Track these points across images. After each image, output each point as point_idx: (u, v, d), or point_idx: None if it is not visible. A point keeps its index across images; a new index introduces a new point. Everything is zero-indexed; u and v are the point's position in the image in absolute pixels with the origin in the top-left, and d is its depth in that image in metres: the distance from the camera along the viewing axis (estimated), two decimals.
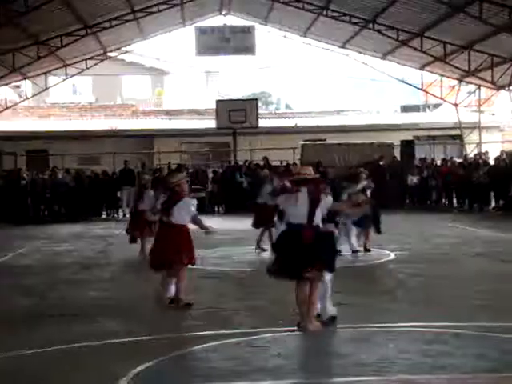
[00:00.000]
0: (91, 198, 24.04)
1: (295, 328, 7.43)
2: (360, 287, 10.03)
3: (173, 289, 8.93)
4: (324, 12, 25.23)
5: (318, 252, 7.36)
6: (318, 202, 7.43)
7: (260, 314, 8.42)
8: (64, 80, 29.89)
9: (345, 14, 24.89)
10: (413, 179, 25.09)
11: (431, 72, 30.25)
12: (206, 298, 9.34)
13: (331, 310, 7.75)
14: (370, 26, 24.98)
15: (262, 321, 7.95)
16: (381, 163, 24.73)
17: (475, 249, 13.89)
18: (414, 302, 8.95)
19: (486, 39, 23.10)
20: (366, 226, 13.01)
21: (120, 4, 24.00)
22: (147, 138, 31.59)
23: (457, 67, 26.33)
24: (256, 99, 32.59)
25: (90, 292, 10.21)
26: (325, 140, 29.51)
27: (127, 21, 25.36)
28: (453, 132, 30.76)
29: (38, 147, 30.58)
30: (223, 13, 29.61)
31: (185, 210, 8.78)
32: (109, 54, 30.23)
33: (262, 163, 25.06)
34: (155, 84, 41.34)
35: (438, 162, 26.22)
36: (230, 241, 15.95)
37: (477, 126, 29.39)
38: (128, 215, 17.18)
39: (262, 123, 28.98)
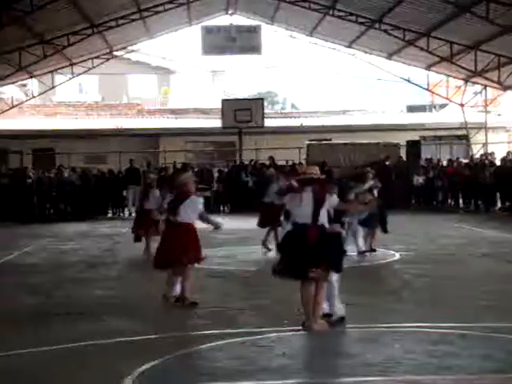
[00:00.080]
0: (97, 196, 24.08)
1: (300, 328, 7.42)
2: (366, 287, 10.02)
3: (178, 287, 8.94)
4: (330, 12, 25.20)
5: (324, 252, 7.35)
6: (322, 202, 7.42)
7: (265, 313, 8.41)
8: (70, 79, 29.94)
9: (351, 14, 24.85)
10: (419, 179, 25.05)
11: (437, 72, 30.20)
12: (211, 297, 9.34)
13: (339, 309, 7.73)
14: (377, 25, 24.93)
15: (267, 320, 7.95)
16: (387, 163, 24.71)
17: (481, 249, 13.86)
18: (419, 303, 8.94)
19: (492, 39, 23.04)
20: (373, 226, 12.97)
21: (126, 3, 24.02)
22: (153, 137, 31.62)
23: (463, 67, 26.27)
24: (262, 99, 32.58)
25: (96, 291, 10.23)
26: (330, 140, 29.49)
27: (133, 20, 25.37)
28: (459, 132, 30.69)
29: (44, 146, 30.65)
30: (229, 12, 29.61)
31: (191, 209, 8.79)
32: (115, 53, 30.26)
33: (267, 163, 25.06)
34: (161, 83, 41.38)
35: (444, 163, 26.16)
36: (235, 240, 15.97)
37: (483, 127, 29.33)
38: (134, 214, 17.20)
39: (268, 123, 28.96)
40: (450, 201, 25.07)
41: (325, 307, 7.69)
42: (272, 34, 30.86)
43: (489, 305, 8.66)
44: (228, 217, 22.20)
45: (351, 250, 12.20)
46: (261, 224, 14.17)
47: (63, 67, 28.85)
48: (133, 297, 9.73)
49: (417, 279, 10.73)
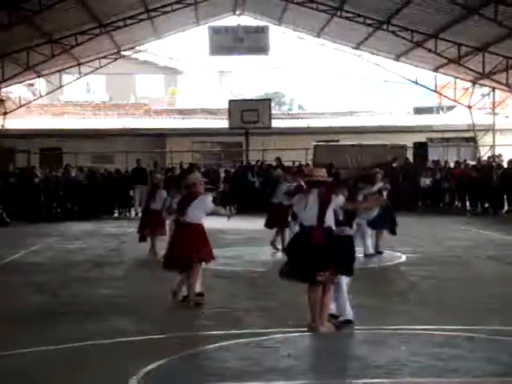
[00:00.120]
0: (104, 196, 24.11)
1: (306, 329, 7.42)
2: (372, 289, 10.00)
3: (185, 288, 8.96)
4: (338, 13, 25.17)
5: (331, 254, 7.34)
6: (328, 204, 7.41)
7: (271, 314, 8.41)
8: (78, 78, 30.00)
9: (359, 15, 24.82)
10: (426, 181, 24.99)
11: (445, 74, 30.13)
12: (218, 298, 9.34)
13: (348, 312, 7.68)
14: (384, 27, 24.89)
15: (273, 321, 7.95)
16: (394, 165, 24.64)
17: (488, 252, 13.83)
18: (426, 305, 8.92)
19: (500, 41, 22.98)
20: (380, 227, 12.92)
21: (134, 3, 24.05)
22: (160, 137, 31.66)
23: (471, 69, 26.21)
24: (269, 99, 32.56)
25: (102, 290, 10.25)
26: (337, 141, 29.46)
27: (141, 20, 25.42)
28: (466, 134, 30.61)
29: (51, 145, 30.71)
30: (237, 13, 29.61)
31: (199, 209, 8.81)
32: (122, 52, 30.30)
33: (274, 163, 25.06)
34: (168, 83, 41.41)
35: (452, 165, 26.10)
36: (241, 241, 15.97)
37: (491, 129, 29.25)
38: (140, 214, 17.22)
39: (275, 123, 28.94)
40: (457, 203, 25.00)
41: (332, 308, 7.68)
42: (279, 35, 30.89)
43: (495, 307, 8.64)
44: (234, 217, 22.14)
45: (358, 252, 12.20)
46: (268, 225, 14.17)
47: (71, 67, 28.91)
48: (139, 297, 9.74)
49: (423, 281, 10.72)
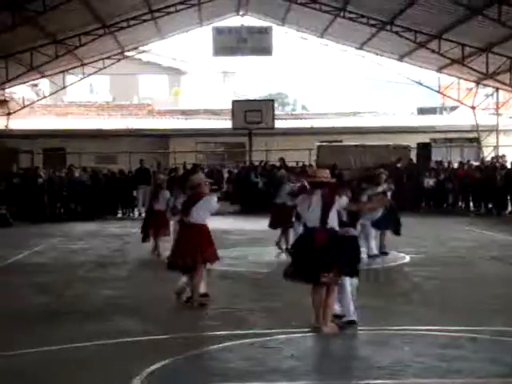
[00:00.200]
0: (107, 196, 24.13)
1: (309, 330, 7.42)
2: (376, 289, 10.00)
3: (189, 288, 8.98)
4: (341, 13, 25.17)
5: (335, 255, 7.33)
6: (331, 205, 7.41)
7: (274, 315, 8.41)
8: (81, 79, 30.05)
9: (362, 16, 24.81)
10: (429, 182, 24.97)
11: (449, 74, 30.11)
12: (222, 299, 9.35)
13: (352, 313, 7.66)
14: (388, 27, 24.88)
15: (277, 322, 7.95)
16: (398, 165, 24.63)
17: (491, 253, 13.81)
18: (429, 305, 8.92)
19: (504, 42, 22.95)
20: (385, 227, 12.88)
21: (138, 4, 24.08)
22: (163, 137, 31.67)
23: (474, 70, 26.18)
24: (272, 100, 32.57)
25: (106, 290, 10.25)
26: (341, 141, 29.46)
27: (145, 20, 25.45)
28: (470, 135, 30.58)
29: (55, 145, 30.75)
30: (240, 13, 29.61)
31: (203, 210, 8.82)
32: (126, 53, 30.34)
33: (277, 164, 25.06)
34: (172, 84, 41.43)
35: (455, 165, 26.08)
36: (245, 241, 15.96)
37: (494, 129, 29.22)
38: (143, 214, 17.24)
39: (278, 124, 28.96)
40: (460, 203, 24.97)
41: (336, 308, 7.68)
42: (283, 36, 30.89)
43: (498, 308, 8.63)
44: (237, 217, 22.18)
45: (362, 253, 12.19)
46: (272, 225, 14.17)
47: (74, 67, 28.96)
48: (142, 297, 9.75)
49: (427, 282, 10.71)
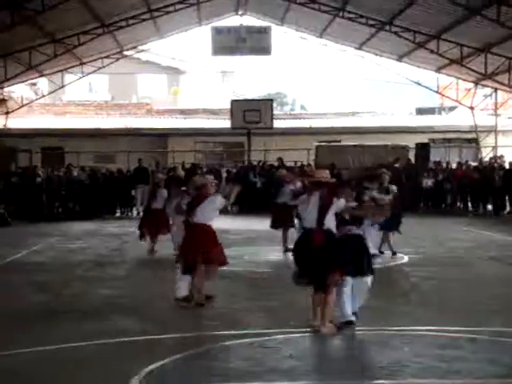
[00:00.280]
0: (106, 195, 24.11)
1: (307, 329, 7.42)
2: (374, 290, 9.96)
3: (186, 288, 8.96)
4: (340, 13, 25.18)
5: (335, 256, 7.32)
6: (328, 207, 7.39)
7: (273, 315, 8.41)
8: (80, 78, 30.03)
9: (361, 16, 24.81)
10: (427, 182, 24.98)
11: (447, 74, 30.12)
12: (219, 298, 9.32)
13: (348, 314, 7.65)
14: (387, 27, 24.89)
15: (275, 322, 7.95)
16: (396, 165, 24.60)
17: (490, 253, 13.82)
18: (428, 306, 8.92)
19: (503, 42, 22.96)
20: (388, 228, 12.75)
21: (137, 3, 24.07)
22: (162, 136, 31.65)
23: (473, 70, 26.19)
24: (271, 100, 32.57)
25: (104, 290, 10.24)
26: (339, 141, 29.46)
27: (144, 20, 25.43)
28: (468, 135, 30.58)
29: (53, 145, 30.72)
30: (239, 13, 29.62)
31: (208, 210, 8.82)
32: (125, 52, 30.32)
33: (276, 164, 25.05)
34: (171, 83, 41.43)
35: (454, 166, 26.09)
36: (242, 241, 15.96)
37: (493, 130, 29.23)
38: (141, 213, 17.24)
39: (277, 124, 28.97)
40: (458, 204, 24.98)
41: (348, 311, 7.62)
42: (282, 35, 30.89)
43: (497, 309, 8.63)
44: (235, 217, 22.17)
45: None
46: (274, 225, 14.15)
47: (73, 66, 28.93)
48: (140, 296, 9.74)
49: (425, 282, 10.71)
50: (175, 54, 41.21)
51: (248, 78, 50.13)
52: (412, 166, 26.00)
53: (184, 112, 36.29)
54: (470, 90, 30.47)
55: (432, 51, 25.33)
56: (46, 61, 25.42)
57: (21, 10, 20.06)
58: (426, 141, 29.03)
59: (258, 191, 24.20)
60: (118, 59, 29.90)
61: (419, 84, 31.43)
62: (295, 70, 47.64)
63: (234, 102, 29.43)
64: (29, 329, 7.79)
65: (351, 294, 7.66)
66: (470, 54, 25.10)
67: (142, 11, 24.88)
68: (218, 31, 27.96)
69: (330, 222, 7.41)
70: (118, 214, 24.30)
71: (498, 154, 27.42)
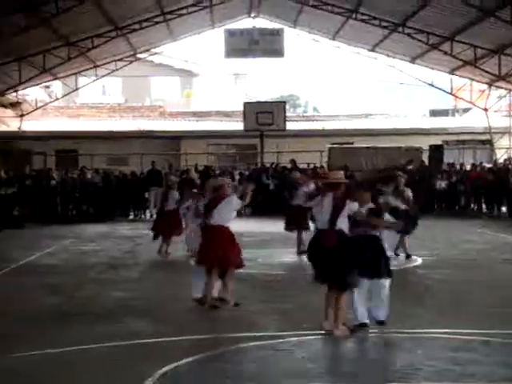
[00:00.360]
0: (119, 198, 24.18)
1: (321, 332, 7.40)
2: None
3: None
4: (353, 15, 25.14)
5: (347, 256, 7.30)
6: (341, 209, 7.38)
7: (286, 317, 8.39)
8: (94, 81, 30.16)
9: (374, 18, 24.77)
10: (441, 184, 24.88)
11: (461, 76, 29.99)
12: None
13: (362, 315, 7.63)
14: (400, 29, 24.83)
15: (288, 324, 7.94)
16: (409, 167, 24.53)
17: (504, 255, 13.74)
18: (441, 308, 8.88)
19: None
20: (409, 231, 12.68)
21: (150, 6, 24.15)
22: (175, 139, 31.72)
23: (487, 71, 26.08)
24: (284, 102, 32.55)
25: (117, 292, 10.27)
26: (352, 143, 29.40)
27: (157, 22, 25.52)
28: (482, 137, 30.45)
29: (67, 147, 30.85)
30: (252, 15, 29.64)
31: (225, 211, 8.84)
32: (138, 55, 30.42)
33: (289, 166, 25.03)
34: (184, 85, 41.52)
35: (468, 167, 25.97)
36: (256, 243, 15.93)
37: (507, 131, 29.09)
38: (155, 216, 17.31)
39: (290, 126, 28.95)
40: (472, 206, 24.86)
41: (363, 316, 7.59)
42: (295, 37, 30.87)
43: (511, 311, 8.57)
44: (249, 219, 22.16)
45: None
46: (288, 227, 14.14)
47: (87, 69, 29.06)
48: (153, 298, 9.76)
49: (439, 284, 10.67)
50: (188, 57, 41.33)
51: (261, 80, 50.11)
52: (426, 167, 25.91)
53: (197, 114, 36.35)
54: (483, 91, 30.32)
55: (445, 53, 25.25)
56: (59, 64, 25.56)
57: (35, 13, 20.18)
58: (439, 143, 28.94)
59: (271, 193, 24.19)
60: (131, 62, 30.00)
61: (433, 86, 31.30)
62: (308, 72, 47.51)
63: (246, 104, 29.42)
64: (41, 331, 7.82)
65: (366, 297, 7.63)
66: (483, 56, 24.99)
67: (155, 14, 24.96)
68: (230, 34, 27.99)
69: (343, 223, 7.40)
70: (131, 217, 24.36)
71: None
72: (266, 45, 27.70)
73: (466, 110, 36.64)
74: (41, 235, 18.57)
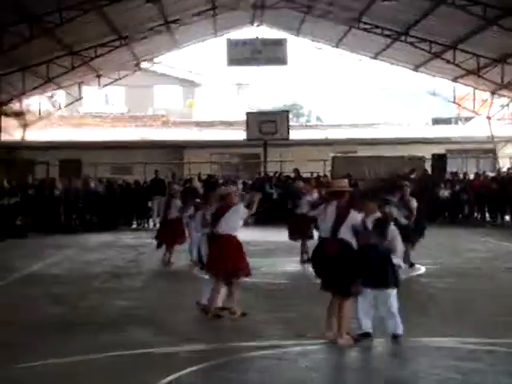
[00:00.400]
0: (122, 207, 24.18)
1: (325, 341, 7.39)
2: None
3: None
4: (356, 24, 25.20)
5: (351, 264, 7.29)
6: (344, 218, 7.38)
7: (290, 326, 8.38)
8: (97, 90, 30.24)
9: (377, 27, 24.84)
10: (444, 193, 24.86)
11: (464, 84, 30.01)
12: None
13: (365, 325, 7.62)
14: (403, 38, 24.88)
15: (292, 334, 7.93)
16: (412, 176, 24.51)
17: (507, 264, 13.72)
18: (445, 317, 8.86)
19: None
20: (415, 240, 12.68)
21: (154, 15, 24.22)
22: (178, 148, 31.78)
23: (490, 80, 26.10)
24: (287, 111, 32.60)
25: (121, 301, 10.26)
26: (355, 152, 29.41)
27: (160, 32, 25.60)
28: (486, 146, 30.45)
29: (70, 156, 30.90)
30: (255, 24, 29.71)
31: (232, 220, 8.86)
32: (141, 65, 30.51)
33: (292, 175, 25.04)
34: (186, 95, 41.62)
35: (471, 176, 25.95)
36: (260, 252, 15.91)
37: (510, 140, 29.08)
38: (158, 225, 17.34)
39: (293, 135, 28.97)
40: (476, 214, 24.83)
41: (367, 325, 7.58)
42: (298, 46, 30.95)
43: None
44: (252, 228, 22.15)
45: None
46: (292, 237, 14.13)
47: (90, 79, 29.14)
48: (157, 308, 9.75)
49: (443, 293, 10.65)
50: (191, 67, 41.47)
51: (263, 89, 50.22)
52: (429, 176, 25.89)
53: (200, 124, 36.42)
54: (486, 100, 30.34)
55: (448, 61, 25.27)
56: (63, 73, 25.62)
57: (39, 23, 20.25)
58: (442, 151, 28.92)
59: (275, 202, 24.19)
60: (134, 71, 30.09)
61: (435, 94, 31.33)
62: (311, 80, 47.63)
63: (249, 113, 29.49)
64: (45, 340, 7.81)
65: (370, 306, 7.60)
66: (486, 65, 25.01)
67: (158, 23, 25.04)
68: (233, 44, 28.06)
69: (346, 233, 7.39)
70: (134, 226, 24.35)
71: None
72: (268, 53, 27.76)
73: (468, 119, 36.66)
74: (44, 245, 18.57)
